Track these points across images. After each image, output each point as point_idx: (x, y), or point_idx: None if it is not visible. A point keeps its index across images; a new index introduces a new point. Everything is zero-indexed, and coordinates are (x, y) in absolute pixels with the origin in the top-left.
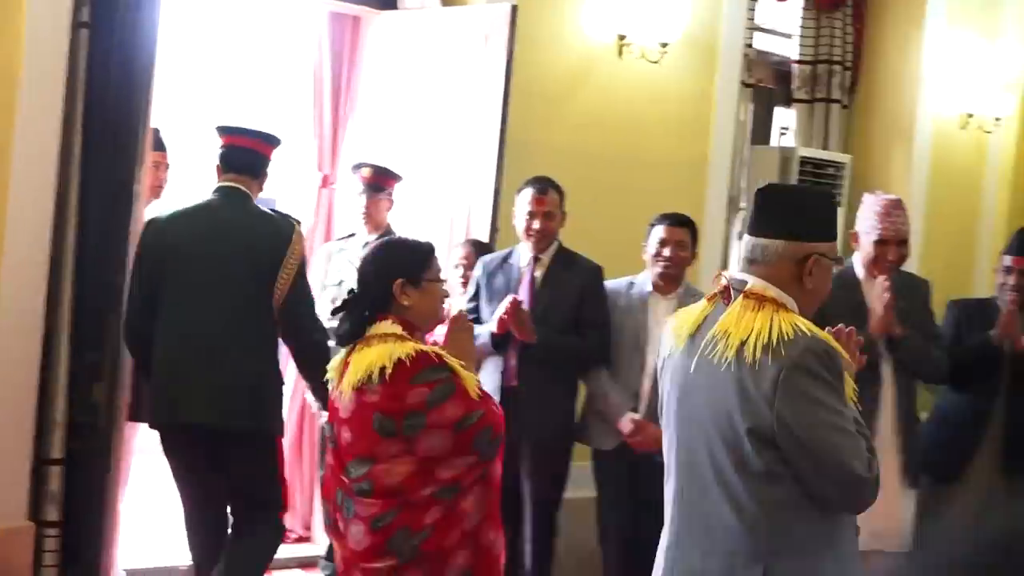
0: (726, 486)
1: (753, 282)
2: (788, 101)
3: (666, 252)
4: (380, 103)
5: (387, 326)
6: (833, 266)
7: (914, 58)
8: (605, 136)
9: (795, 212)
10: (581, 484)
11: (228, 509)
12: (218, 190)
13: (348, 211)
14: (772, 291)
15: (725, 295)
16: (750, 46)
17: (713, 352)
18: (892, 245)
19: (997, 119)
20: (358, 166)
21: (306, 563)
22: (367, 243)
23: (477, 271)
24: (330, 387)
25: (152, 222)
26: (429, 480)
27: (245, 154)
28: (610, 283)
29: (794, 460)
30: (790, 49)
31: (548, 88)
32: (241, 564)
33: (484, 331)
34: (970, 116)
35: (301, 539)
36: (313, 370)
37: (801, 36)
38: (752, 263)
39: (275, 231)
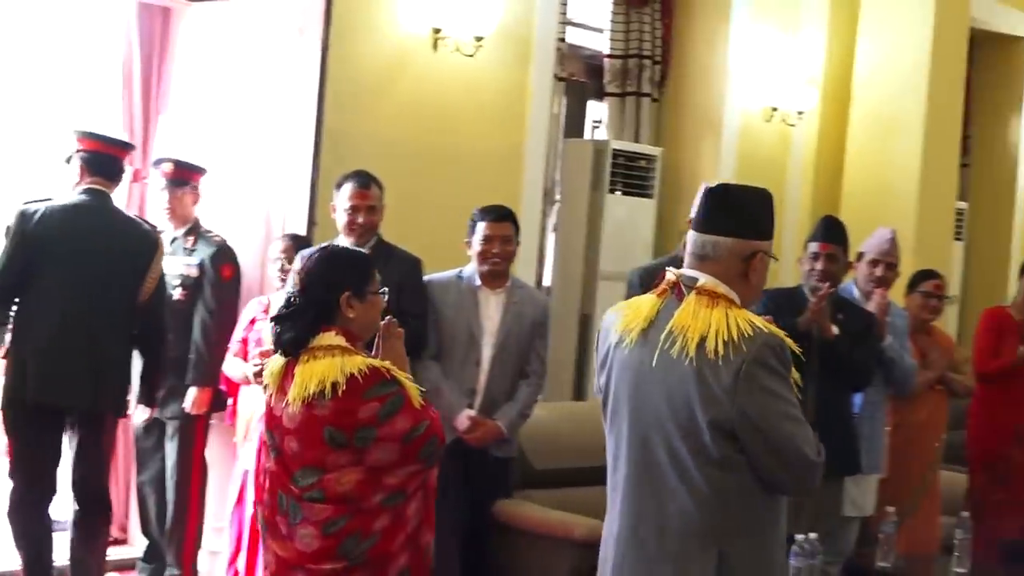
0: (683, 474)
1: (704, 279)
2: (600, 95)
3: (494, 249)
4: (193, 96)
5: (331, 337)
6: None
7: (721, 53)
8: (421, 128)
9: (743, 212)
10: None
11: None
12: (87, 191)
13: (153, 207)
14: (722, 288)
15: (676, 291)
16: (563, 40)
17: (672, 347)
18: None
19: (800, 112)
20: (159, 162)
21: (123, 566)
22: (175, 238)
23: (296, 265)
24: (266, 394)
25: (27, 213)
26: (378, 487)
27: (107, 159)
28: (437, 276)
29: (752, 447)
30: (601, 43)
31: (364, 80)
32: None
33: None
34: (774, 109)
35: (117, 541)
36: (160, 363)
37: (612, 31)
38: (702, 259)
39: (143, 235)
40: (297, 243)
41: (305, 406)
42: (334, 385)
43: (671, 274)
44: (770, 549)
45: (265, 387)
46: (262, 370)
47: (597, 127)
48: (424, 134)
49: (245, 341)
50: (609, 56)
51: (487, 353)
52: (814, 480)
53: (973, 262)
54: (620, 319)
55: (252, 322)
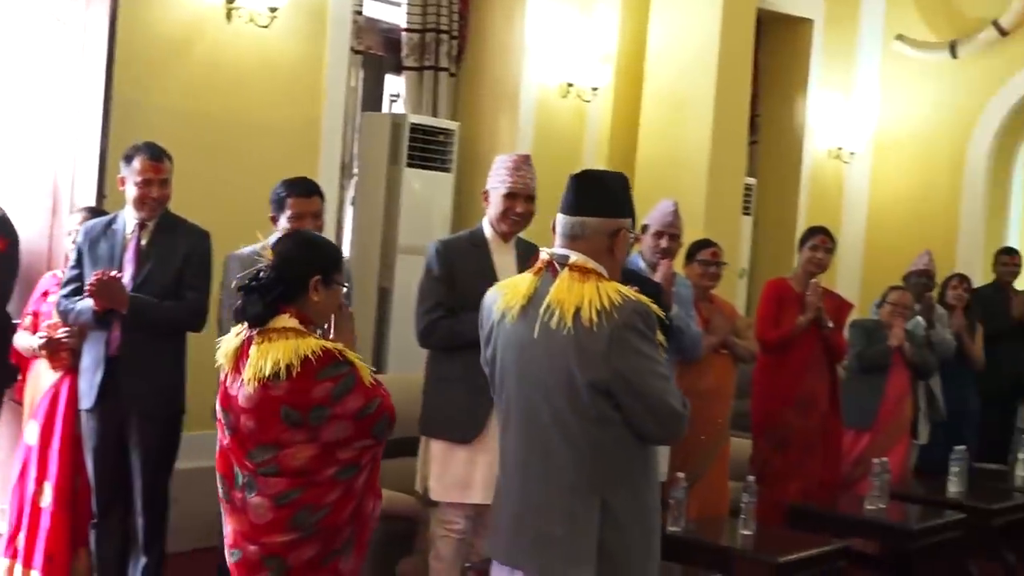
0: (565, 431)
1: (575, 257)
2: (398, 69)
3: (306, 225)
4: None
5: (285, 320)
6: (632, 239)
7: (517, 29)
8: (215, 100)
9: (606, 193)
10: (197, 454)
11: None
12: None
13: None
14: (592, 263)
15: (550, 268)
16: (359, 13)
17: (551, 319)
18: (520, 199)
19: (595, 89)
20: None
21: None
22: None
23: (79, 238)
24: (221, 374)
25: None
26: (331, 461)
27: None
28: (244, 250)
29: (626, 403)
30: (399, 17)
31: (155, 50)
32: None
33: (86, 307)
34: (570, 85)
35: None
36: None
37: (409, 4)
38: (573, 239)
39: None
40: (94, 217)
41: (261, 387)
42: (288, 367)
43: (544, 253)
44: (645, 495)
45: (219, 367)
46: (48, 341)
47: (395, 101)
48: (218, 106)
49: (37, 314)
50: (407, 30)
51: None
52: (680, 430)
53: (761, 236)
54: (501, 298)
55: (44, 295)
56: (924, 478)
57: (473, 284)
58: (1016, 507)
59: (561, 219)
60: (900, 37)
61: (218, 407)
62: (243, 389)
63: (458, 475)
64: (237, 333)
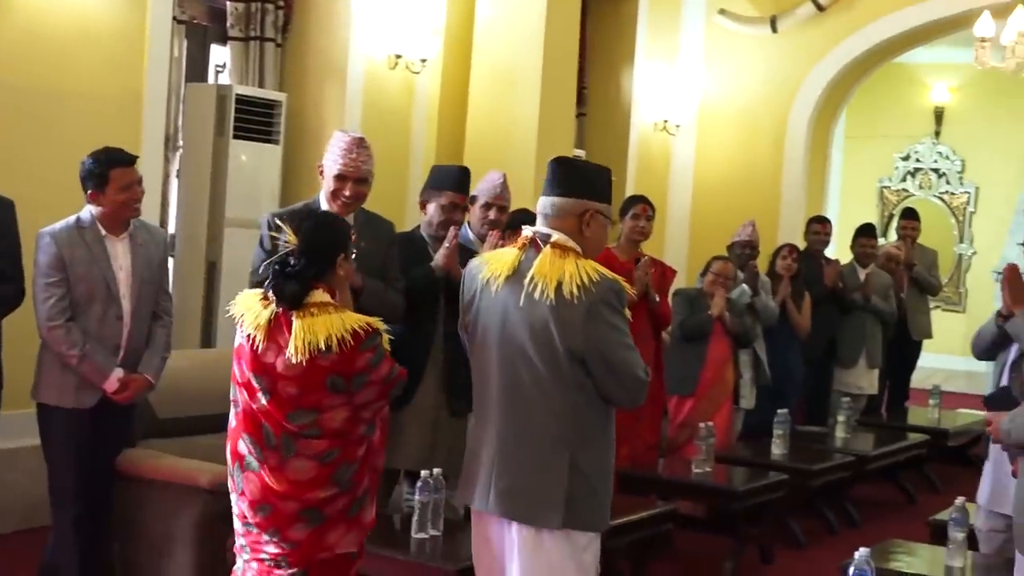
0: (543, 393)
1: (557, 236)
2: (223, 39)
3: (135, 197)
4: None
5: (320, 295)
6: (608, 224)
7: None
8: (32, 70)
9: (576, 176)
10: (17, 433)
11: None
12: None
13: None
14: (571, 243)
15: (533, 244)
16: None
17: (535, 290)
18: (350, 181)
19: (423, 61)
20: None
21: None
22: None
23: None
24: (256, 342)
25: None
26: (360, 420)
27: None
28: (56, 226)
29: (596, 369)
30: None
31: None
32: None
33: None
34: (399, 57)
35: None
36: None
37: None
38: (546, 218)
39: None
40: None
41: (308, 356)
42: (340, 340)
43: (527, 231)
44: (607, 455)
45: (249, 336)
46: None
47: (220, 72)
48: (34, 76)
49: None
50: (231, 0)
51: (127, 306)
52: (642, 395)
53: None
54: (486, 267)
55: None
56: (750, 441)
57: None
58: (836, 467)
59: (540, 200)
60: (722, 11)
61: (246, 372)
62: (283, 358)
63: None
64: (265, 305)
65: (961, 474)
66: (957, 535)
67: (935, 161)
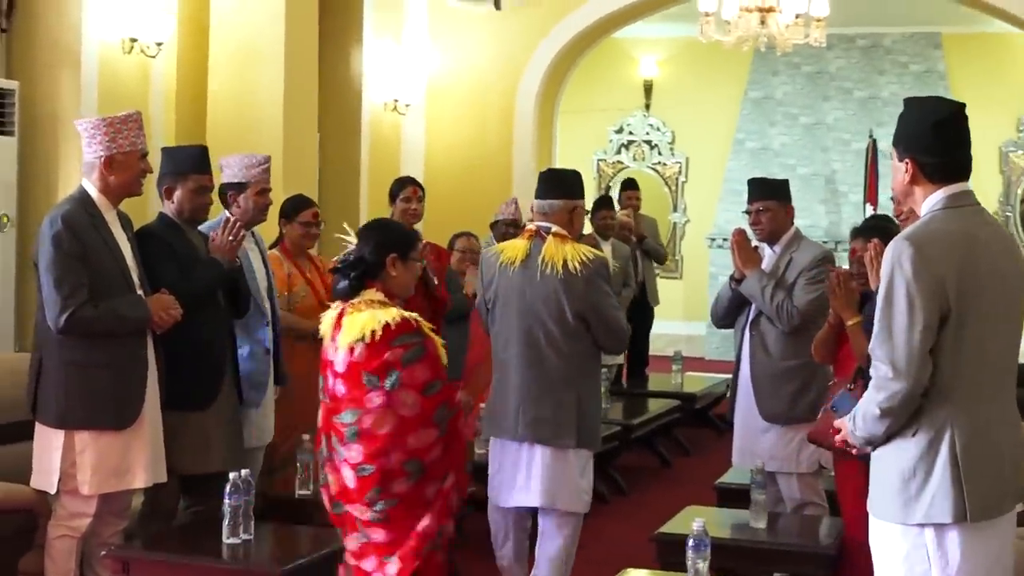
0: (554, 345)
1: (555, 228)
2: None
3: None
4: None
5: (372, 294)
6: (584, 215)
7: None
8: None
9: (563, 183)
10: None
11: None
12: None
13: None
14: (565, 233)
15: (538, 235)
16: None
17: (547, 269)
18: None
19: (159, 43)
20: None
21: None
22: None
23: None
24: (325, 343)
25: None
26: (402, 448)
27: None
28: None
29: (594, 325)
30: None
31: None
32: None
33: None
34: (134, 40)
35: None
36: None
37: None
38: (546, 215)
39: None
40: None
41: (349, 351)
42: (372, 332)
43: (531, 225)
44: (597, 390)
45: (322, 337)
46: None
47: None
48: None
49: None
50: None
51: None
52: (625, 343)
53: (324, 188)
54: (502, 255)
55: None
56: None
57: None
58: (605, 438)
59: (537, 203)
60: None
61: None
62: (338, 354)
63: (114, 464)
64: (335, 307)
65: (707, 436)
66: (759, 497)
67: (647, 133)
